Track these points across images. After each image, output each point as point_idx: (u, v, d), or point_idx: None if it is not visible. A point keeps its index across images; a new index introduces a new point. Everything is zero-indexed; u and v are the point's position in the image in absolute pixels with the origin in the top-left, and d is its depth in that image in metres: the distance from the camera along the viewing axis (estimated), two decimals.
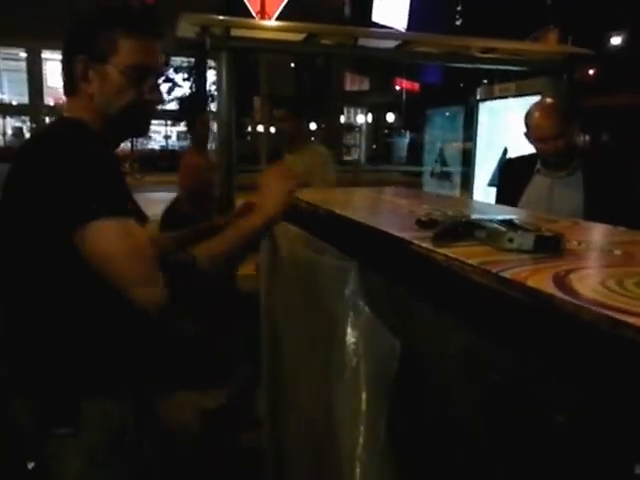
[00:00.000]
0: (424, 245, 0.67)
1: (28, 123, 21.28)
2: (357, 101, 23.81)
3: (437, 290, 0.68)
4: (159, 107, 1.02)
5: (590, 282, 0.53)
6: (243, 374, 2.06)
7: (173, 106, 18.26)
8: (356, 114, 24.78)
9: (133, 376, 0.96)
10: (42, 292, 0.89)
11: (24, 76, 20.56)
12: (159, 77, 0.97)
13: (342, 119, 22.04)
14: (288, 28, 2.58)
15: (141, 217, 0.94)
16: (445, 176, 6.01)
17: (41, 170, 0.85)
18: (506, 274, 0.54)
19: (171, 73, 17.42)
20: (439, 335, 0.70)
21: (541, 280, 0.52)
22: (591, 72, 12.02)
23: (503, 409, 0.59)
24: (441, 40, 2.88)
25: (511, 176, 2.12)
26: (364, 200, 1.17)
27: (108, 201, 0.83)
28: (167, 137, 23.10)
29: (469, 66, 3.11)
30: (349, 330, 0.85)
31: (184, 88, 18.44)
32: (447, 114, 6.96)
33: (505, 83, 4.32)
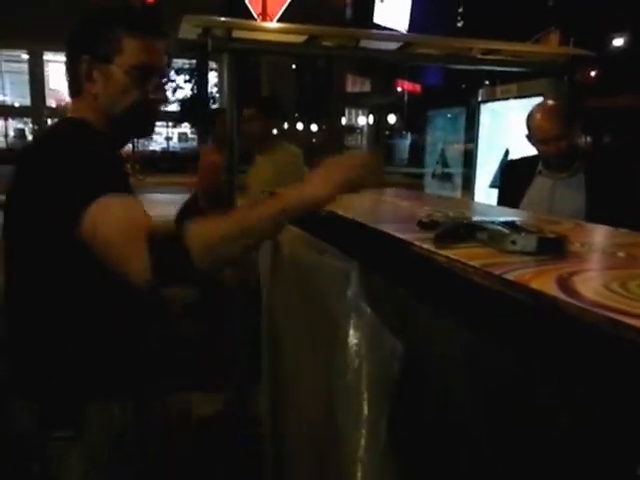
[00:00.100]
0: (426, 247, 0.67)
1: (30, 125, 21.33)
2: (358, 102, 23.83)
3: (439, 292, 0.68)
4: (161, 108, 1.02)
5: (594, 284, 0.53)
6: (242, 374, 2.06)
7: (174, 107, 18.29)
8: (357, 115, 24.80)
9: (134, 376, 0.95)
10: (45, 292, 0.89)
11: (26, 78, 20.62)
12: (163, 77, 0.97)
13: (343, 120, 22.06)
14: (290, 30, 2.58)
15: None
16: (446, 177, 6.01)
17: (44, 169, 0.85)
18: (509, 276, 0.54)
19: (172, 75, 17.48)
20: (441, 337, 0.69)
21: (544, 282, 0.52)
22: (593, 74, 12.02)
23: (505, 411, 0.58)
24: (442, 42, 2.88)
25: (513, 177, 2.12)
26: (365, 201, 1.17)
27: (109, 187, 0.82)
28: (168, 139, 23.14)
29: (470, 68, 3.11)
30: (351, 331, 0.85)
31: (185, 90, 18.48)
32: (448, 115, 6.96)
33: (507, 85, 4.32)
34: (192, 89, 18.36)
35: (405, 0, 21.95)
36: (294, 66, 17.80)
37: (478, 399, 0.62)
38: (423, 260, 0.66)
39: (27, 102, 20.93)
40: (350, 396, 0.85)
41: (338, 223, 0.94)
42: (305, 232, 1.10)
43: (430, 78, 23.30)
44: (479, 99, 4.53)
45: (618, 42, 14.45)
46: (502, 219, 0.74)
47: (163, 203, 2.56)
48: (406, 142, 20.92)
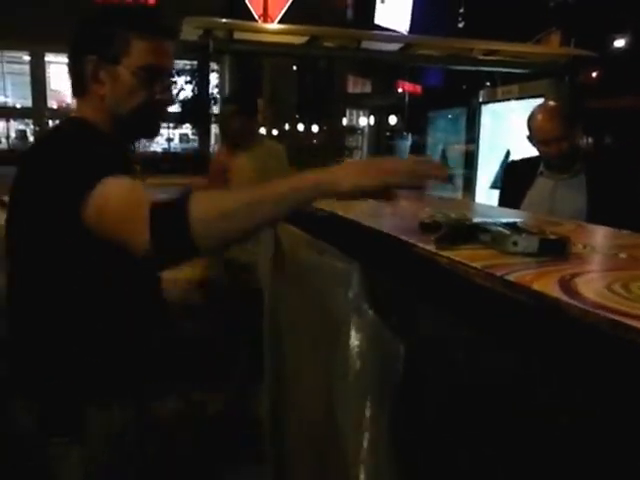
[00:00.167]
0: (427, 248, 0.67)
1: (32, 126, 21.35)
2: (359, 103, 23.82)
3: (441, 293, 0.68)
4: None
5: (596, 286, 0.52)
6: (242, 374, 2.06)
7: (175, 109, 18.30)
8: (358, 116, 24.80)
9: (134, 377, 0.96)
10: (47, 292, 0.89)
11: (27, 79, 20.64)
12: (170, 78, 0.98)
13: (344, 121, 22.07)
14: (291, 31, 2.59)
15: None
16: (447, 178, 6.01)
17: (46, 166, 0.85)
18: (511, 277, 0.54)
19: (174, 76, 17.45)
20: (442, 337, 0.69)
21: (546, 284, 0.52)
22: (594, 74, 12.01)
23: (506, 411, 0.58)
24: (444, 43, 2.89)
25: (514, 178, 2.12)
26: (367, 202, 1.17)
27: (111, 172, 0.81)
28: (169, 140, 23.16)
29: (472, 68, 3.12)
30: (352, 332, 0.85)
31: (186, 91, 18.49)
32: (449, 116, 6.96)
33: (508, 85, 4.32)
34: (193, 90, 18.36)
35: (406, 1, 21.95)
36: (295, 67, 17.81)
37: (479, 400, 0.62)
38: (425, 261, 0.66)
39: (28, 103, 20.95)
40: (351, 397, 0.85)
41: (339, 224, 0.94)
42: (306, 233, 1.10)
43: (431, 79, 23.29)
44: (480, 100, 4.54)
45: (619, 43, 14.44)
46: (504, 220, 0.74)
47: None
48: (407, 143, 20.90)
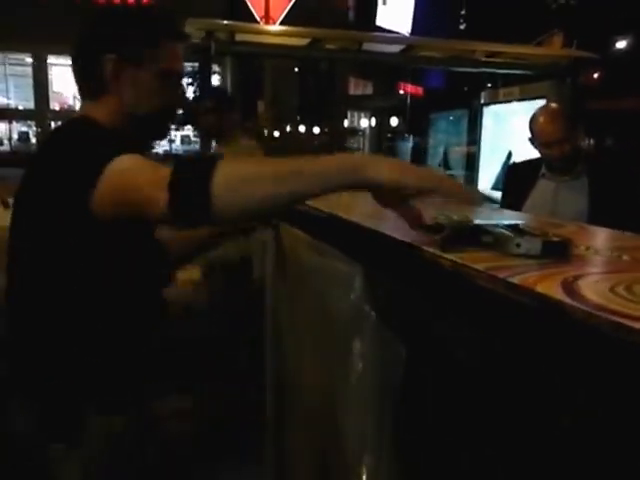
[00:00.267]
0: (430, 250, 0.67)
1: (34, 128, 21.40)
2: (361, 105, 23.84)
3: (443, 295, 0.68)
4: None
5: (599, 288, 0.52)
6: (243, 375, 2.06)
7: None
8: (360, 118, 24.81)
9: (134, 377, 0.96)
10: (47, 292, 0.89)
11: (30, 81, 20.69)
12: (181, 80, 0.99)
13: (345, 123, 22.07)
14: (293, 33, 2.59)
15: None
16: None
17: (53, 165, 0.85)
18: (514, 279, 0.54)
19: None
20: (445, 340, 0.69)
21: (549, 286, 0.52)
22: (596, 76, 12.00)
23: (509, 414, 0.58)
24: (445, 44, 2.89)
25: (516, 180, 2.12)
26: (368, 204, 1.17)
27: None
28: (171, 141, 23.20)
29: (473, 70, 3.12)
30: (354, 334, 0.85)
31: (188, 93, 18.52)
32: (451, 118, 6.97)
33: (509, 87, 4.33)
34: (195, 92, 18.41)
35: (408, 3, 21.97)
36: (296, 69, 17.83)
37: (482, 402, 0.62)
38: (427, 263, 0.66)
39: (31, 105, 20.99)
40: (352, 398, 0.85)
41: (341, 225, 0.94)
42: (308, 234, 1.10)
43: (432, 81, 23.30)
44: (481, 102, 4.54)
45: (621, 44, 14.43)
46: (506, 222, 0.74)
47: None
48: (408, 144, 20.91)
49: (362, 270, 0.84)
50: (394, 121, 22.46)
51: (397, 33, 17.97)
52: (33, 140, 21.11)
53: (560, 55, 3.20)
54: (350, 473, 0.84)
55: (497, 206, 2.18)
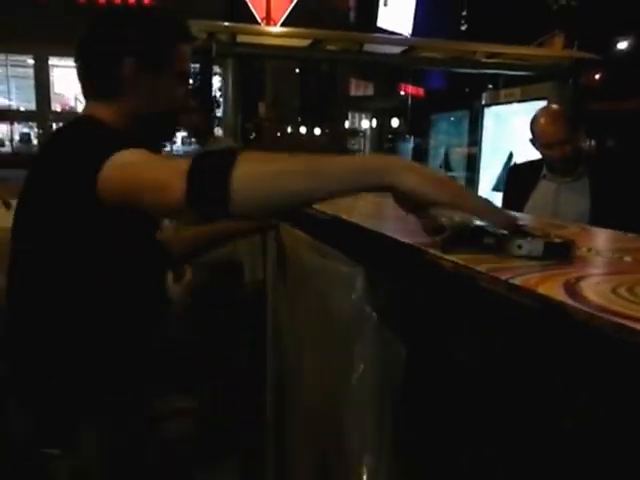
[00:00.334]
0: (431, 251, 0.67)
1: (35, 129, 21.44)
2: (361, 106, 23.86)
3: (444, 296, 0.67)
4: None
5: (601, 289, 0.52)
6: (243, 374, 2.07)
7: None
8: (360, 119, 24.83)
9: (134, 376, 0.95)
10: (49, 291, 0.89)
11: (31, 83, 20.73)
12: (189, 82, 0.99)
13: (346, 124, 22.09)
14: (294, 34, 2.60)
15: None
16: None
17: (56, 161, 0.84)
18: (516, 281, 0.54)
19: None
20: (446, 341, 0.69)
21: (551, 287, 0.52)
22: (597, 77, 12.00)
23: (511, 415, 0.58)
24: (446, 45, 2.89)
25: (517, 181, 2.12)
26: (370, 205, 1.17)
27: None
28: (172, 142, 23.24)
29: (474, 71, 3.12)
30: (355, 335, 0.85)
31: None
32: (452, 119, 6.97)
33: (510, 88, 4.32)
34: (196, 93, 18.45)
35: (409, 4, 21.98)
36: (297, 70, 17.85)
37: (483, 403, 0.62)
38: (429, 265, 0.66)
39: (32, 107, 21.04)
40: (353, 399, 0.85)
41: (342, 226, 0.94)
42: (309, 235, 1.10)
43: (433, 82, 23.31)
44: (483, 103, 4.54)
45: (623, 45, 14.42)
46: None
47: None
48: (409, 145, 20.92)
49: (363, 271, 0.84)
50: (395, 122, 22.46)
51: (398, 34, 17.99)
52: (35, 141, 21.15)
53: (561, 56, 3.20)
54: (350, 473, 0.84)
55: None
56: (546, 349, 0.51)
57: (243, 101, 2.50)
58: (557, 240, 0.65)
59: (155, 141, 1.02)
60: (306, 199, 0.69)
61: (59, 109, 20.70)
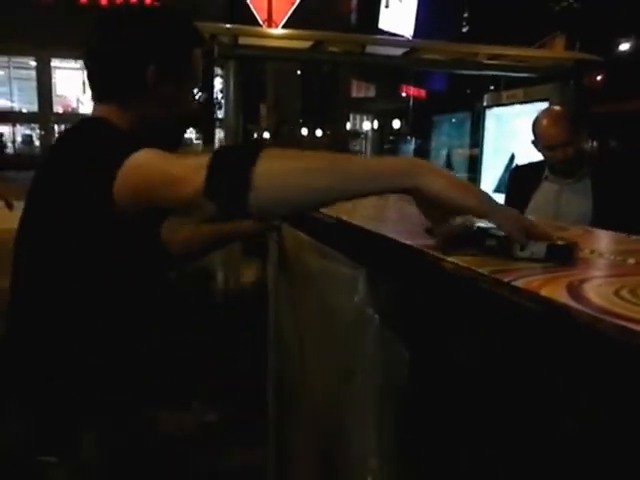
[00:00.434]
0: (433, 253, 0.66)
1: (38, 131, 21.50)
2: (363, 108, 23.89)
3: (446, 298, 0.67)
4: None
5: (604, 291, 0.52)
6: (243, 374, 2.07)
7: None
8: (362, 121, 24.85)
9: (134, 377, 0.95)
10: (52, 292, 0.88)
11: (34, 84, 20.80)
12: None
13: (348, 126, 22.12)
14: (296, 36, 2.60)
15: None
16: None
17: (66, 163, 0.84)
18: (518, 283, 0.53)
19: None
20: (448, 343, 0.69)
21: (554, 289, 0.51)
22: (599, 78, 11.99)
23: (513, 417, 0.58)
24: (448, 47, 2.89)
25: (519, 183, 2.12)
26: (371, 207, 1.17)
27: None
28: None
29: (476, 73, 3.12)
30: (357, 338, 0.84)
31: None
32: (453, 120, 6.97)
33: (512, 89, 4.32)
34: (199, 96, 18.49)
35: (410, 6, 22.01)
36: (299, 72, 17.88)
37: (485, 405, 0.62)
38: (431, 267, 0.66)
39: (35, 108, 21.10)
40: (356, 402, 0.85)
41: (344, 228, 0.94)
42: (311, 237, 1.10)
43: (435, 83, 23.33)
44: (484, 104, 4.54)
45: (624, 47, 14.41)
46: None
47: None
48: (411, 147, 20.92)
49: (365, 273, 0.83)
50: (396, 124, 22.47)
51: (400, 36, 18.01)
52: (37, 143, 21.20)
53: (563, 57, 3.20)
54: (353, 474, 0.84)
55: None
56: (549, 351, 0.51)
57: (244, 103, 2.49)
58: (560, 242, 0.65)
59: (165, 144, 1.02)
60: (328, 198, 0.67)
61: (61, 111, 20.76)
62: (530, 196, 1.93)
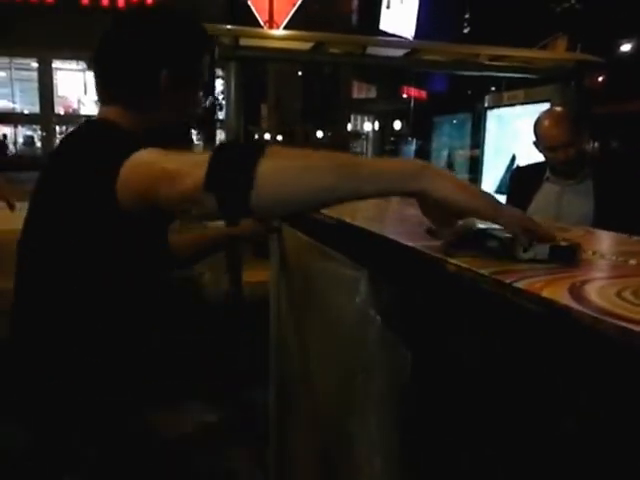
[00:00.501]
0: (435, 254, 0.66)
1: (39, 132, 21.53)
2: (364, 109, 23.90)
3: (448, 300, 0.67)
4: None
5: (607, 293, 0.52)
6: (243, 374, 2.07)
7: None
8: (363, 122, 24.86)
9: (134, 377, 0.95)
10: (55, 291, 0.88)
11: (35, 86, 20.84)
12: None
13: (349, 127, 22.12)
14: (297, 37, 2.60)
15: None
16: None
17: (71, 164, 0.84)
18: (520, 284, 0.53)
19: None
20: (450, 344, 0.69)
21: (556, 291, 0.51)
22: (600, 79, 11.98)
23: (515, 419, 0.58)
24: (449, 48, 2.89)
25: (520, 184, 2.12)
26: (373, 208, 1.17)
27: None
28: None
29: (477, 74, 3.11)
30: (359, 339, 0.84)
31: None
32: (454, 122, 6.97)
33: (513, 90, 4.32)
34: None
35: (411, 7, 22.03)
36: (300, 73, 17.89)
37: (488, 406, 0.62)
38: (432, 267, 0.66)
39: (36, 109, 21.14)
40: (358, 402, 0.85)
41: (346, 230, 0.94)
42: (312, 238, 1.10)
43: (436, 84, 23.34)
44: (485, 105, 4.54)
45: (626, 48, 14.40)
46: None
47: None
48: (412, 148, 20.92)
49: (367, 274, 0.84)
50: (397, 125, 22.47)
51: (401, 37, 18.02)
52: (38, 144, 21.23)
53: (564, 58, 3.19)
54: (355, 474, 0.84)
55: None
56: (550, 352, 0.51)
57: (245, 104, 2.49)
58: (563, 243, 0.65)
59: (175, 144, 1.02)
60: (331, 199, 0.65)
61: (62, 112, 20.79)
62: (531, 197, 1.93)
